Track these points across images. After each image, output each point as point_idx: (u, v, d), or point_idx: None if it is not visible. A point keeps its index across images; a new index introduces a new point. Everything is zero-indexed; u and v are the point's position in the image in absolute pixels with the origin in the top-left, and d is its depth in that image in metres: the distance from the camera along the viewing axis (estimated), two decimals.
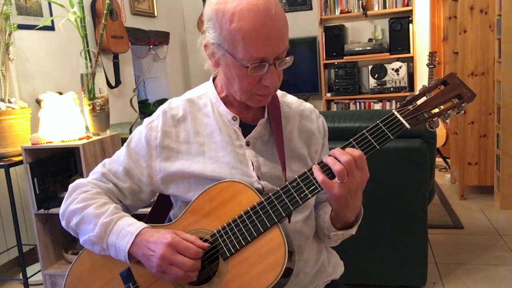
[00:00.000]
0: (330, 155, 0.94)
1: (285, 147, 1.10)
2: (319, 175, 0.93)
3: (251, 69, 0.95)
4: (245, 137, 1.09)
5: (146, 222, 1.12)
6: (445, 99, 0.97)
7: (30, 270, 2.64)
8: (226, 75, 1.03)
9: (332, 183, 0.92)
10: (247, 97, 1.02)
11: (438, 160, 4.34)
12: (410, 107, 0.97)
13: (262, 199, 0.99)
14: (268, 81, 0.98)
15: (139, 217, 1.09)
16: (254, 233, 0.97)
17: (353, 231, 1.10)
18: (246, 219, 0.98)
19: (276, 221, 0.96)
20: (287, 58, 0.98)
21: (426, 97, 0.98)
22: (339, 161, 0.91)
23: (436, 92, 0.98)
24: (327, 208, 1.13)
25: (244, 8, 0.92)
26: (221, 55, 0.99)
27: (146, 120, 1.14)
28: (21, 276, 2.51)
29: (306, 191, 0.96)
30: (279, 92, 1.17)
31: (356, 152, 0.93)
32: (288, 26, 0.99)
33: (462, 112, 0.97)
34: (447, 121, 0.97)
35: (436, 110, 0.97)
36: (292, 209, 0.96)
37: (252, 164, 1.07)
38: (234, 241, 0.97)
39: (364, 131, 0.97)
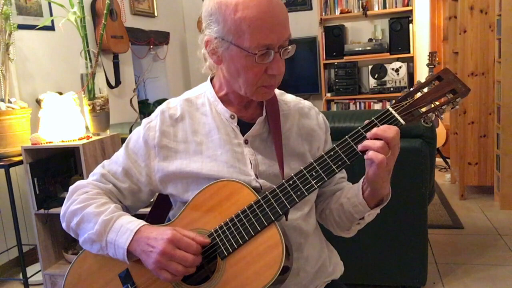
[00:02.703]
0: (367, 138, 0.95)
1: (284, 145, 1.10)
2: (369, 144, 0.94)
3: (258, 56, 0.96)
4: (243, 136, 1.09)
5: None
6: (439, 94, 0.97)
7: (30, 270, 2.64)
8: (230, 71, 1.03)
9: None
10: (253, 90, 1.02)
11: (438, 160, 4.34)
12: (405, 103, 0.97)
13: (259, 197, 0.99)
14: (274, 70, 0.99)
15: (138, 217, 1.09)
16: (252, 231, 0.97)
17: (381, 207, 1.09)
18: (243, 218, 0.98)
19: (273, 219, 0.96)
20: (289, 47, 1.00)
21: (421, 92, 0.98)
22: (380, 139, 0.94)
23: (431, 88, 0.99)
24: (350, 194, 1.09)
25: None
26: (225, 49, 0.99)
27: (145, 121, 1.14)
28: (21, 276, 2.51)
29: (303, 189, 0.97)
30: (277, 91, 1.17)
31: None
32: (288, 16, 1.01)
33: (457, 107, 0.98)
34: (442, 116, 0.98)
35: (431, 106, 0.97)
36: (289, 207, 0.97)
37: (250, 163, 1.08)
38: (232, 240, 0.97)
39: (359, 127, 0.98)
